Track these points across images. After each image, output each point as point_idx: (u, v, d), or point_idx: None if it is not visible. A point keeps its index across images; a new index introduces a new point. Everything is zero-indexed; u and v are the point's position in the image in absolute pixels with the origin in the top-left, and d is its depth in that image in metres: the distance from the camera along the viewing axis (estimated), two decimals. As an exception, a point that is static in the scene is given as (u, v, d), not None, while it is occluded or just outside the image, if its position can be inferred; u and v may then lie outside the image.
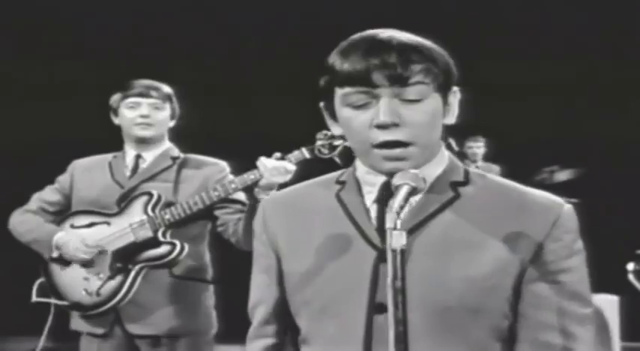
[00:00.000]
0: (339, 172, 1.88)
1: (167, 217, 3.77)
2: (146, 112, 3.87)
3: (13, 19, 5.85)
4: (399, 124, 1.70)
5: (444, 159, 1.82)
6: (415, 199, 1.75)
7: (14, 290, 4.39)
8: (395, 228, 1.56)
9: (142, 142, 3.91)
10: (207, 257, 3.95)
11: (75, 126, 6.46)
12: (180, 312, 3.81)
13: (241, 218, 3.76)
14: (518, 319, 1.75)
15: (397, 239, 1.55)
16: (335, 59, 1.73)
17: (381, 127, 1.70)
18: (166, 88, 3.94)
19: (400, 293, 1.56)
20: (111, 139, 4.01)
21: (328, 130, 3.65)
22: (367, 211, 1.79)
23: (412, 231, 1.73)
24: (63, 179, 4.02)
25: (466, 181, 1.80)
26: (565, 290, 1.74)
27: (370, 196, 1.80)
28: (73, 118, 6.57)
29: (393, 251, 1.56)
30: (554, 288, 1.74)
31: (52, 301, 3.87)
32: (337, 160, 3.70)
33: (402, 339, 1.55)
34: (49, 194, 4.02)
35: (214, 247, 3.99)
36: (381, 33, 1.73)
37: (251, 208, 3.69)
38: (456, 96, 1.80)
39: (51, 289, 3.90)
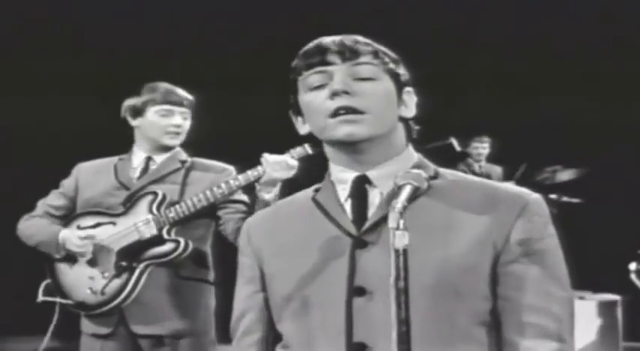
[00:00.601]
0: (318, 184, 1.97)
1: (171, 215, 3.78)
2: (179, 122, 3.90)
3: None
4: (351, 94, 1.81)
5: (411, 156, 1.91)
6: (387, 189, 1.84)
7: (15, 290, 4.39)
8: (398, 228, 1.57)
9: (166, 149, 3.94)
10: (210, 258, 3.96)
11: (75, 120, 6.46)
12: (184, 312, 3.82)
13: (243, 217, 3.76)
14: (500, 303, 1.78)
15: (400, 239, 1.56)
16: (296, 59, 1.90)
17: (335, 94, 1.81)
18: (191, 97, 3.97)
19: (403, 293, 1.56)
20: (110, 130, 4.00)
21: None
22: (342, 206, 1.87)
23: (385, 218, 1.73)
24: (67, 183, 4.03)
25: (435, 177, 1.88)
26: (544, 272, 1.78)
27: (344, 192, 1.89)
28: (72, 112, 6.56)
29: (396, 251, 1.56)
30: (532, 269, 1.78)
31: (58, 300, 3.88)
32: None
33: (404, 339, 1.56)
34: (54, 199, 4.03)
35: (215, 248, 4.00)
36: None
37: (252, 205, 3.70)
38: (410, 95, 1.92)
39: (56, 288, 3.91)
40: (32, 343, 4.42)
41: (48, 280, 3.94)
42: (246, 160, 3.83)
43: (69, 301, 3.86)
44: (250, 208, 3.73)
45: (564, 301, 1.79)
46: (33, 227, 3.99)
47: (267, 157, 3.66)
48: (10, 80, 6.14)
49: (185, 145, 4.01)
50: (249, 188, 3.74)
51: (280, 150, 3.72)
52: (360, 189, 1.86)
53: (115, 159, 4.01)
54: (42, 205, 4.04)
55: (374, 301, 1.76)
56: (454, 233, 1.78)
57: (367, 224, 1.82)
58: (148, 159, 3.95)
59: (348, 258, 1.81)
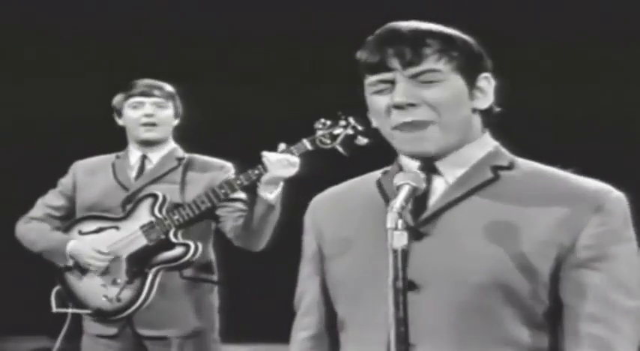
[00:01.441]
0: (390, 166, 1.87)
1: (176, 217, 3.77)
2: (150, 111, 3.86)
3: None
4: (416, 104, 1.72)
5: (487, 144, 1.80)
6: (454, 178, 1.76)
7: (14, 290, 4.39)
8: (396, 228, 1.55)
9: (148, 144, 3.91)
10: (213, 257, 3.95)
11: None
12: (189, 312, 3.82)
13: (241, 215, 3.76)
14: (559, 308, 1.69)
15: (398, 239, 1.55)
16: (359, 52, 1.79)
17: (398, 107, 1.72)
18: (169, 87, 3.94)
19: (401, 293, 1.55)
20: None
21: (326, 118, 3.69)
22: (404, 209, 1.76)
23: (445, 209, 1.72)
24: (65, 182, 4.01)
25: (510, 167, 1.77)
26: (609, 279, 1.68)
27: None
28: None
29: (394, 252, 1.55)
30: (597, 276, 1.68)
31: (73, 310, 3.85)
32: (340, 149, 3.67)
33: (403, 339, 1.55)
34: (53, 199, 4.00)
35: (218, 248, 3.99)
36: (400, 23, 1.78)
37: (252, 204, 3.69)
38: (488, 81, 1.80)
39: (69, 297, 3.89)
40: (30, 343, 4.42)
41: (58, 287, 3.91)
42: (244, 155, 3.81)
43: (87, 311, 3.84)
44: (250, 207, 3.73)
45: (629, 312, 1.68)
46: (35, 232, 3.96)
47: (268, 156, 3.63)
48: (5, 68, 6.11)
49: (182, 140, 4.00)
50: (250, 187, 3.73)
51: (277, 143, 3.71)
52: (426, 178, 1.74)
53: (112, 157, 3.99)
54: (41, 205, 4.00)
55: (423, 295, 1.69)
56: (518, 231, 1.68)
57: (425, 215, 1.74)
58: (144, 158, 3.93)
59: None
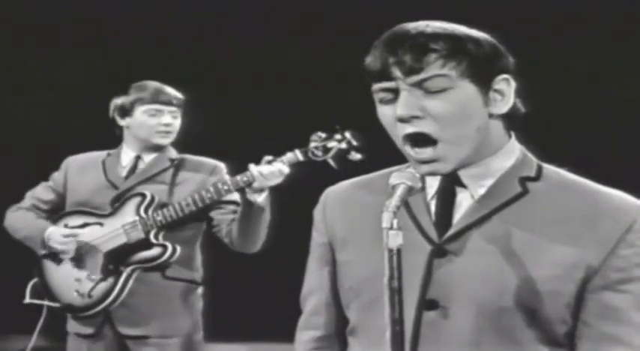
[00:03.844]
0: (406, 164, 1.76)
1: (159, 218, 3.76)
2: (169, 120, 3.86)
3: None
4: (421, 116, 1.62)
5: (513, 151, 1.72)
6: (478, 193, 1.68)
7: (8, 288, 4.37)
8: (391, 227, 1.54)
9: (157, 149, 3.91)
10: (199, 259, 3.95)
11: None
12: (171, 313, 3.81)
13: (234, 219, 3.75)
14: (580, 328, 1.66)
15: (393, 239, 1.54)
16: (366, 58, 1.69)
17: (402, 120, 1.64)
18: (181, 95, 3.94)
19: (397, 293, 1.54)
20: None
21: (322, 131, 3.69)
22: (427, 204, 1.72)
23: (472, 226, 1.66)
24: (57, 177, 4.01)
25: (537, 177, 1.70)
26: (634, 300, 1.64)
27: (431, 189, 1.73)
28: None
29: (390, 251, 1.54)
30: (622, 297, 1.64)
31: (45, 302, 3.87)
32: (331, 162, 3.67)
33: (398, 339, 1.54)
34: (42, 192, 4.02)
35: (205, 248, 3.99)
36: (407, 25, 1.67)
37: (242, 207, 3.68)
38: (509, 83, 1.67)
39: (44, 289, 3.90)
40: (21, 342, 4.40)
41: (35, 280, 3.93)
42: (238, 155, 3.79)
43: (56, 304, 3.84)
44: (240, 211, 3.72)
45: None
46: (20, 220, 3.98)
47: (259, 169, 3.60)
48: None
49: (175, 143, 3.99)
50: (239, 189, 3.71)
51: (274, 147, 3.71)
52: (448, 189, 1.68)
53: (103, 154, 3.99)
54: (30, 197, 4.02)
55: (447, 317, 1.64)
56: (541, 253, 1.63)
57: (450, 232, 1.67)
58: (137, 158, 3.93)
59: (425, 268, 1.67)
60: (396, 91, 1.64)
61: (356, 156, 3.66)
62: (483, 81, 1.65)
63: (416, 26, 1.65)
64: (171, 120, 3.87)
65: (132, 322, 3.78)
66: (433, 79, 1.62)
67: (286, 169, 3.64)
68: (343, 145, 3.68)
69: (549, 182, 1.70)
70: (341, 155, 3.67)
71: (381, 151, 1.77)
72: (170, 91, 3.91)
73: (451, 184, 1.67)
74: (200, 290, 3.94)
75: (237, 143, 4.72)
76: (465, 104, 1.64)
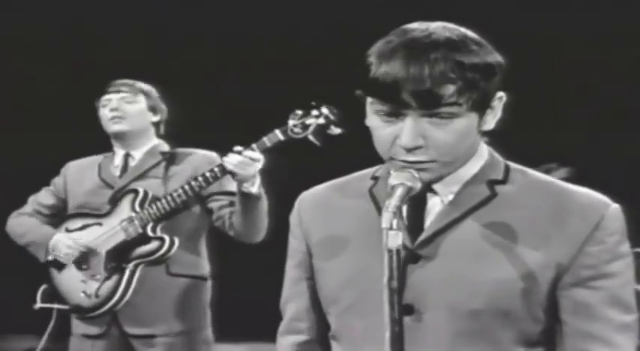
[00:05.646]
0: (375, 168, 1.79)
1: (153, 211, 3.78)
2: (115, 105, 3.87)
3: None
4: (423, 146, 1.63)
5: (482, 155, 1.73)
6: (448, 198, 1.70)
7: (13, 289, 4.39)
8: (391, 228, 1.54)
9: (120, 138, 3.93)
10: (204, 253, 3.95)
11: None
12: (177, 310, 3.82)
13: (234, 211, 3.76)
14: (555, 326, 1.69)
15: (393, 239, 1.54)
16: (371, 61, 1.62)
17: (404, 148, 1.63)
18: (140, 84, 3.96)
19: (396, 293, 1.55)
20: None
21: (300, 109, 3.69)
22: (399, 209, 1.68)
23: (443, 230, 1.68)
24: (57, 182, 4.06)
25: (505, 179, 1.71)
26: (605, 296, 1.67)
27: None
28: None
29: (389, 251, 1.54)
30: (594, 294, 1.66)
31: (55, 306, 3.88)
32: (312, 138, 3.67)
33: (397, 340, 1.55)
34: (44, 197, 4.05)
35: (211, 242, 3.99)
36: (422, 35, 1.61)
37: (241, 201, 3.68)
38: (501, 100, 1.69)
39: (54, 293, 3.91)
40: (28, 342, 4.42)
41: (45, 285, 3.94)
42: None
43: (66, 307, 3.86)
44: (238, 203, 3.72)
45: (624, 327, 1.68)
46: (24, 226, 4.01)
47: (230, 160, 3.60)
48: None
49: (167, 136, 4.01)
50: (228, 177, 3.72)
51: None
52: (419, 195, 1.67)
53: (100, 157, 4.03)
54: (32, 202, 4.05)
55: (422, 321, 1.66)
56: (511, 255, 1.65)
57: (422, 237, 1.69)
58: (127, 156, 3.96)
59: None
60: (399, 112, 1.62)
61: (335, 130, 3.67)
62: (484, 109, 1.67)
63: (434, 41, 1.60)
64: (119, 105, 3.88)
65: (137, 321, 3.79)
66: (447, 107, 1.60)
67: (257, 155, 3.62)
68: (321, 121, 3.67)
69: (517, 183, 1.72)
70: (320, 131, 3.66)
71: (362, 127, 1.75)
72: (122, 81, 3.94)
73: (422, 189, 1.66)
74: (209, 284, 3.94)
75: (222, 131, 4.68)
76: (467, 132, 1.65)
